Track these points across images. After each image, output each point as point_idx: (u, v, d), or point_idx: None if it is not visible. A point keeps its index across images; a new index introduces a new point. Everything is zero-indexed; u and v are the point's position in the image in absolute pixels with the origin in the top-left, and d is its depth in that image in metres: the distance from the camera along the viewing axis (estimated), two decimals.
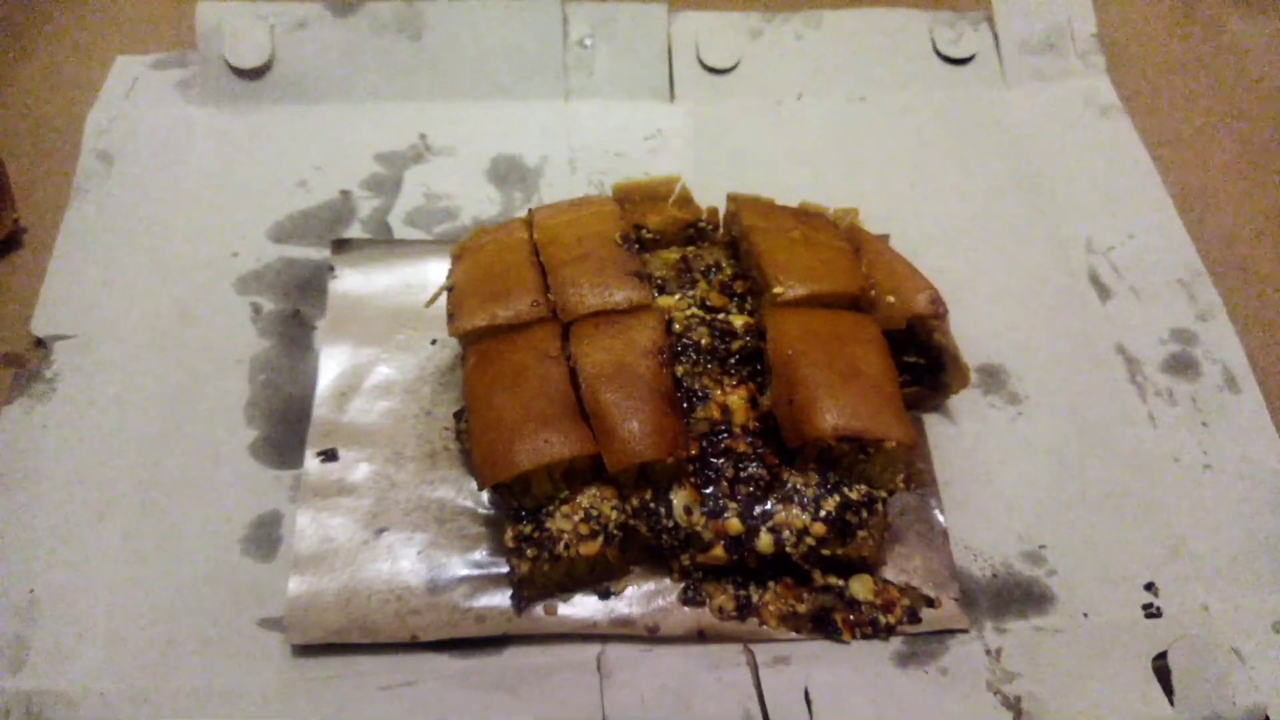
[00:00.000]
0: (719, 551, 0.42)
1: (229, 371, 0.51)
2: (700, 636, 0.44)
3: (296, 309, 0.54)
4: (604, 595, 0.44)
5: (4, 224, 0.54)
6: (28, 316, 0.52)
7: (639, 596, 0.44)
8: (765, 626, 0.44)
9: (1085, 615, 0.45)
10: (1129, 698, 0.43)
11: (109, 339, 0.52)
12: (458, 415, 0.48)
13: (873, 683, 0.42)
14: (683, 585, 0.45)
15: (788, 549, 0.42)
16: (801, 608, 0.44)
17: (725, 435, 0.44)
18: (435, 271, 0.51)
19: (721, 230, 0.51)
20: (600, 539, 0.42)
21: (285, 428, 0.49)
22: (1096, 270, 0.57)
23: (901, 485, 0.45)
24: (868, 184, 0.60)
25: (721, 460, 0.43)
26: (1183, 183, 0.62)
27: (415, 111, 0.62)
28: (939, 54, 0.65)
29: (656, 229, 0.50)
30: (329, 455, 0.48)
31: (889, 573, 0.46)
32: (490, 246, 0.48)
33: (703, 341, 0.45)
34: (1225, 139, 0.65)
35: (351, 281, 0.53)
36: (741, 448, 0.43)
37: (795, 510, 0.42)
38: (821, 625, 0.44)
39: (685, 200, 0.51)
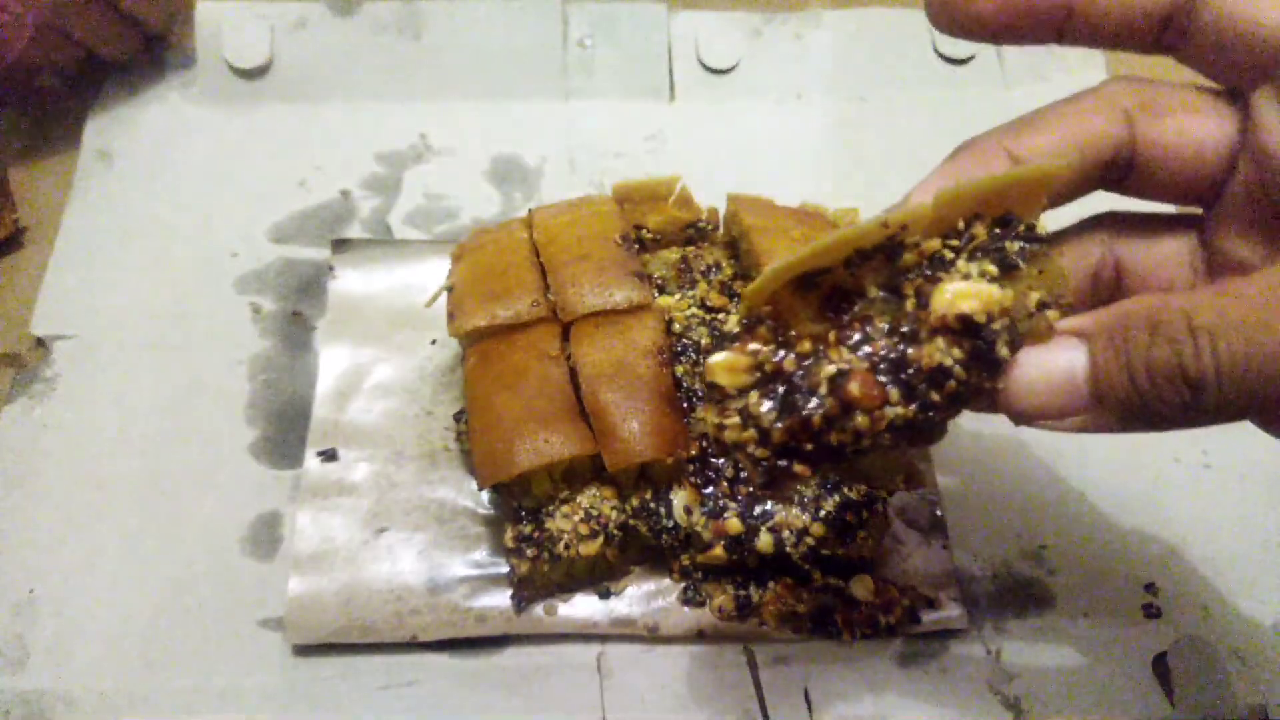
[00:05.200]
0: (719, 551, 0.42)
1: (229, 371, 0.51)
2: (700, 636, 0.44)
3: (296, 309, 0.54)
4: (604, 595, 0.44)
5: (4, 224, 0.54)
6: (28, 316, 0.52)
7: (639, 596, 0.44)
8: (765, 626, 0.44)
9: (1085, 615, 0.45)
10: (1129, 698, 0.43)
11: (109, 339, 0.52)
12: (458, 416, 0.48)
13: (873, 683, 0.42)
14: (683, 585, 0.45)
15: (788, 549, 0.42)
16: (801, 608, 0.44)
17: None
18: (435, 271, 0.51)
19: (721, 230, 0.51)
20: (600, 539, 0.42)
21: (285, 428, 0.49)
22: None
23: (901, 485, 0.45)
24: (868, 184, 0.60)
25: (721, 460, 0.43)
26: None
27: (415, 111, 0.61)
28: (939, 54, 0.65)
29: (656, 229, 0.50)
30: (329, 455, 0.48)
31: (889, 573, 0.46)
32: (490, 246, 0.48)
33: (703, 341, 0.45)
34: None
35: (351, 281, 0.53)
36: None
37: (795, 510, 0.42)
38: (821, 625, 0.44)
39: (685, 200, 0.51)
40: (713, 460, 0.43)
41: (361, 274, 0.54)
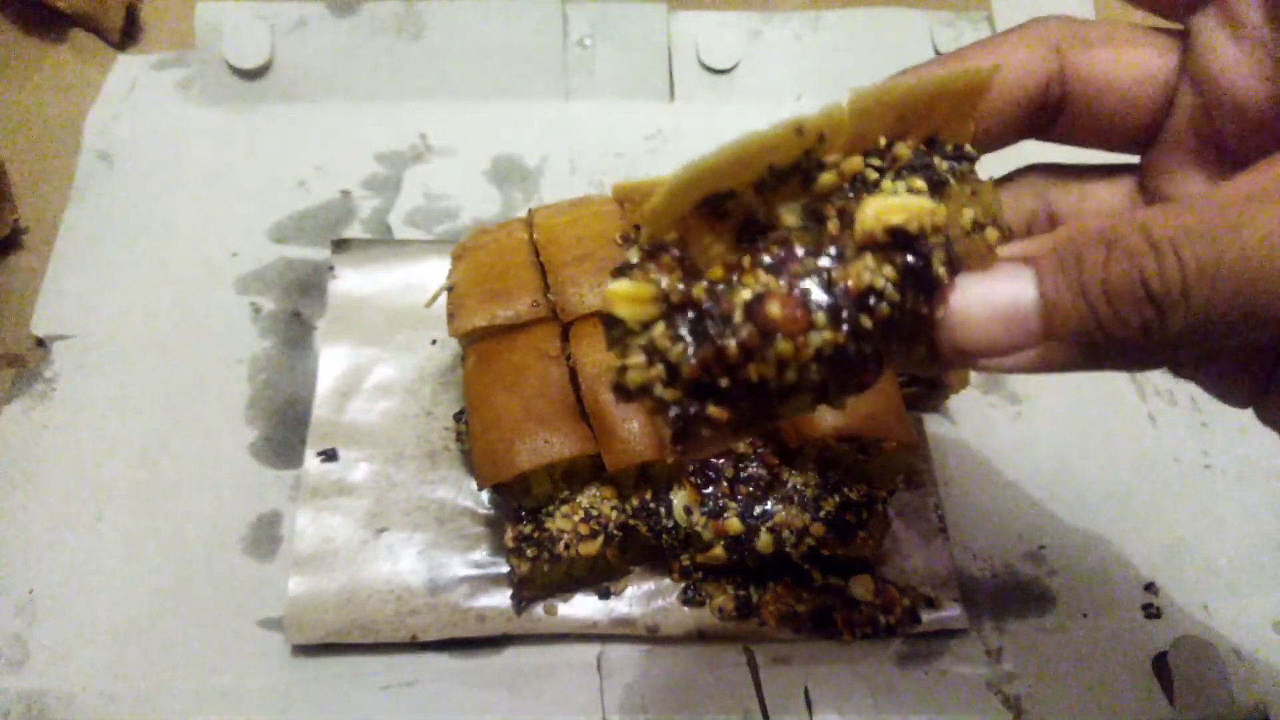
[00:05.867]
0: (719, 551, 0.42)
1: (229, 371, 0.51)
2: (700, 636, 0.44)
3: (296, 309, 0.54)
4: (604, 595, 0.44)
5: (4, 224, 0.54)
6: (28, 316, 0.52)
7: (639, 596, 0.44)
8: (765, 626, 0.44)
9: (1085, 615, 0.45)
10: (1129, 698, 0.43)
11: (109, 339, 0.52)
12: (457, 416, 0.48)
13: (873, 683, 0.42)
14: (683, 585, 0.45)
15: (788, 549, 0.42)
16: (801, 608, 0.44)
17: None
18: (435, 271, 0.51)
19: None
20: (600, 539, 0.42)
21: (285, 428, 0.49)
22: None
23: (901, 485, 0.45)
24: None
25: (721, 460, 0.43)
26: None
27: (415, 111, 0.62)
28: (939, 54, 0.65)
29: None
30: (329, 455, 0.48)
31: (889, 573, 0.46)
32: (490, 246, 0.48)
33: None
34: None
35: (351, 281, 0.53)
36: (741, 448, 0.43)
37: (795, 510, 0.42)
38: (821, 625, 0.44)
39: None
40: (713, 460, 0.43)
41: (361, 274, 0.54)
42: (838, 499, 0.43)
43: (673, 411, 0.24)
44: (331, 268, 0.54)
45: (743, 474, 0.43)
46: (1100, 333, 0.22)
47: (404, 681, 0.42)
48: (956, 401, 0.51)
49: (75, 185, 0.57)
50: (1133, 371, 0.27)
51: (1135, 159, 0.31)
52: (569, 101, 0.63)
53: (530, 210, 0.49)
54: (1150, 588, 0.46)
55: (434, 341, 0.52)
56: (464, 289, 0.46)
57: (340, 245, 0.55)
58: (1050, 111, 0.30)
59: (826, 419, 0.42)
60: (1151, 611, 0.46)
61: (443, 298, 0.47)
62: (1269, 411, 0.29)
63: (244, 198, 0.58)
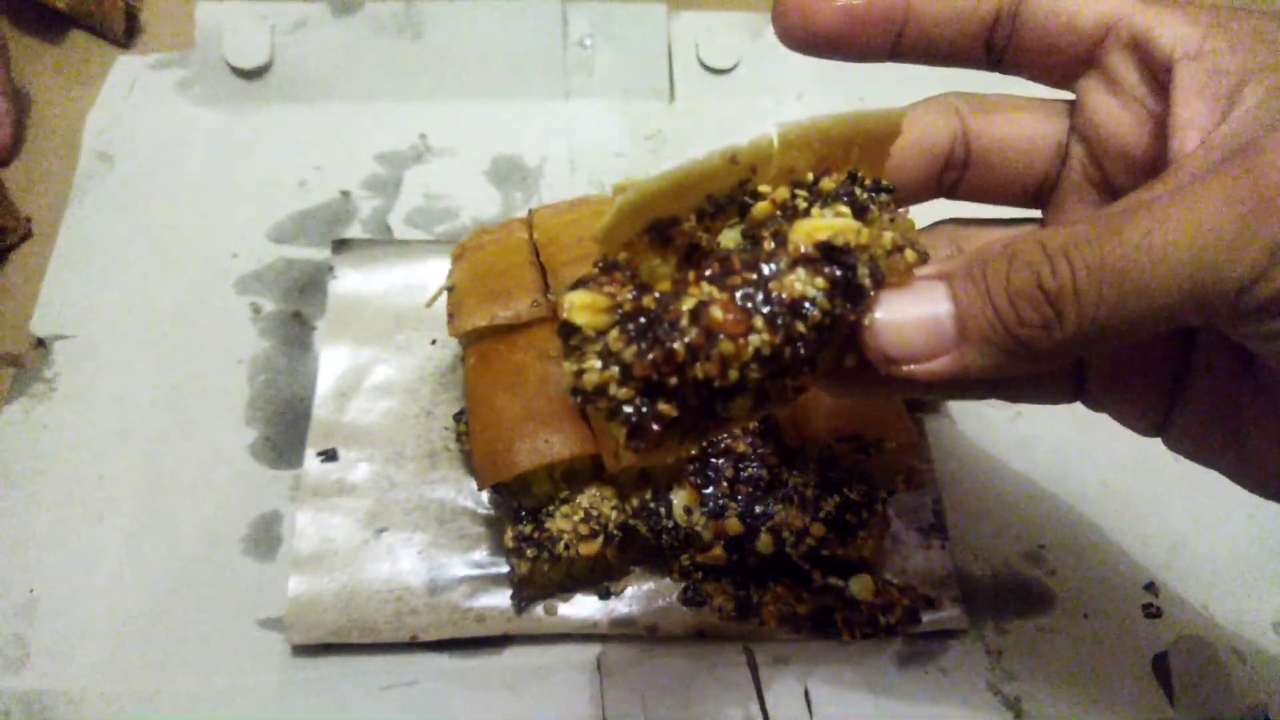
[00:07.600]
0: (719, 551, 0.42)
1: (229, 371, 0.51)
2: (700, 636, 0.44)
3: (296, 309, 0.54)
4: (604, 595, 0.44)
5: (20, 228, 0.55)
6: (28, 316, 0.52)
7: (639, 596, 0.45)
8: (765, 626, 0.44)
9: (1085, 615, 0.45)
10: (1129, 698, 0.43)
11: (109, 339, 0.52)
12: (458, 416, 0.48)
13: (873, 683, 0.43)
14: (683, 585, 0.45)
15: (788, 549, 0.42)
16: (801, 608, 0.44)
17: (725, 435, 0.44)
18: (435, 271, 0.51)
19: None
20: (600, 539, 0.42)
21: (285, 428, 0.49)
22: None
23: (901, 485, 0.45)
24: None
25: (721, 460, 0.43)
26: None
27: (415, 111, 0.62)
28: None
29: None
30: (329, 455, 0.48)
31: (889, 573, 0.46)
32: (490, 246, 0.48)
33: None
34: None
35: (351, 281, 0.53)
36: (741, 448, 0.44)
37: (795, 510, 0.42)
38: (821, 625, 0.44)
39: None
40: (713, 460, 0.43)
41: (361, 274, 0.54)
42: (838, 499, 0.43)
43: (626, 409, 0.26)
44: (331, 268, 0.54)
45: (743, 474, 0.43)
46: (1006, 332, 0.25)
47: (404, 681, 0.42)
48: (956, 401, 0.51)
49: (75, 185, 0.57)
50: (1045, 370, 0.29)
51: (1036, 213, 0.34)
52: (569, 101, 0.63)
53: (530, 210, 0.49)
54: (1150, 588, 0.46)
55: (434, 341, 0.52)
56: (464, 289, 0.46)
57: (340, 245, 0.55)
58: (957, 170, 0.33)
59: (826, 419, 0.42)
60: (1151, 611, 0.46)
61: (443, 298, 0.47)
62: (1174, 438, 0.32)
63: (244, 198, 0.57)
